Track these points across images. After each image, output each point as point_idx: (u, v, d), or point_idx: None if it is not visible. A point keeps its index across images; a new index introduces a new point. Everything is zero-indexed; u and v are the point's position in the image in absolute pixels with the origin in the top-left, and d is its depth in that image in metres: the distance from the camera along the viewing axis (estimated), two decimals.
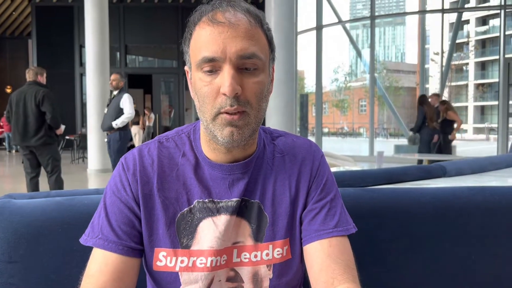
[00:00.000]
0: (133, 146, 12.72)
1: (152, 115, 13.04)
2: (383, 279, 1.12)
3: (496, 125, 11.30)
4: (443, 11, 11.46)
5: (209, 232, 0.78)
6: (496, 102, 11.41)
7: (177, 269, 0.77)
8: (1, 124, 14.30)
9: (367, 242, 1.10)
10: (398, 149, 12.51)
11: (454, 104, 41.48)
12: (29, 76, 4.72)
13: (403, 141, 14.59)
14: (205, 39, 0.72)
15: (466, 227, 1.14)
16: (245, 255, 0.79)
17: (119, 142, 5.40)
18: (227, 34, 0.71)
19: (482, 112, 43.29)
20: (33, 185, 4.74)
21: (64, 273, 0.94)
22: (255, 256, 0.80)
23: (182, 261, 0.77)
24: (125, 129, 5.48)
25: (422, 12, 15.61)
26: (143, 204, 0.77)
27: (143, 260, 0.81)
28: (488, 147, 18.09)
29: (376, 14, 12.86)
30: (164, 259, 0.77)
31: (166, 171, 0.79)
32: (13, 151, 14.60)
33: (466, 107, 43.99)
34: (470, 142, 26.02)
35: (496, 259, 1.16)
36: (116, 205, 0.78)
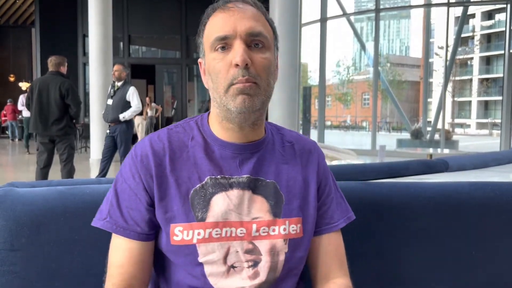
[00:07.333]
0: (136, 136, 12.73)
1: (154, 105, 12.95)
2: (383, 273, 1.13)
3: (499, 121, 11.26)
4: (448, 4, 11.37)
5: (223, 205, 0.83)
6: (500, 98, 11.36)
7: (194, 241, 0.81)
8: (5, 112, 14.32)
9: (367, 235, 1.10)
10: (401, 143, 12.52)
11: (458, 99, 41.35)
12: (51, 66, 4.77)
13: (406, 135, 14.56)
14: (217, 23, 0.82)
15: (466, 222, 1.15)
16: (264, 229, 0.84)
17: (127, 132, 5.51)
18: (237, 16, 0.81)
19: (486, 107, 43.07)
20: (44, 175, 4.78)
21: (65, 262, 0.95)
22: (273, 230, 0.85)
23: (199, 233, 0.81)
24: (130, 119, 5.61)
25: (428, 5, 15.51)
26: (156, 185, 0.82)
27: (158, 242, 0.85)
28: (491, 142, 18.04)
29: (381, 7, 12.77)
30: (180, 233, 0.81)
31: (176, 153, 0.85)
32: (16, 139, 14.63)
33: (470, 102, 43.78)
34: (473, 137, 25.95)
35: (496, 255, 1.17)
36: (126, 192, 0.83)
